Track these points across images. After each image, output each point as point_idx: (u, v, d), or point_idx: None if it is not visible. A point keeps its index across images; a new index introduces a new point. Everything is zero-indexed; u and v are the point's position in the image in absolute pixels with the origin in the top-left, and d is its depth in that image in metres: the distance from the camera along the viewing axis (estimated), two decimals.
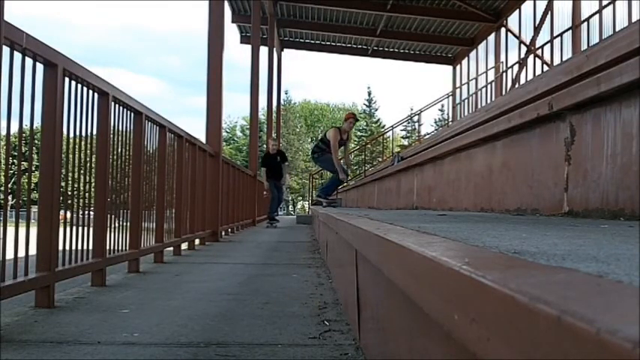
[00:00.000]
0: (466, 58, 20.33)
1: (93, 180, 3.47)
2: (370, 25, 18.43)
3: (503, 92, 15.91)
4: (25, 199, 2.68)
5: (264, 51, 15.42)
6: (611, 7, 11.45)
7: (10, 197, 4.67)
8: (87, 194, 3.41)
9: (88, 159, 3.36)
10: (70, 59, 2.88)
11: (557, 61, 13.22)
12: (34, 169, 2.98)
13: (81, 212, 3.29)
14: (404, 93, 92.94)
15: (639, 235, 1.31)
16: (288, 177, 11.90)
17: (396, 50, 20.81)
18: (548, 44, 14.22)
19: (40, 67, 2.66)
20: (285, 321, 2.44)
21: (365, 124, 61.68)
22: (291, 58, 43.64)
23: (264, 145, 14.42)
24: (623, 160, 2.52)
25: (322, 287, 3.46)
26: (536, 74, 13.88)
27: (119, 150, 3.84)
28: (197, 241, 6.76)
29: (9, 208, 3.85)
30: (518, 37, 16.27)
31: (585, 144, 2.92)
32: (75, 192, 3.28)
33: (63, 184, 3.05)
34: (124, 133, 3.90)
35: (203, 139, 7.53)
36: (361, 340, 1.97)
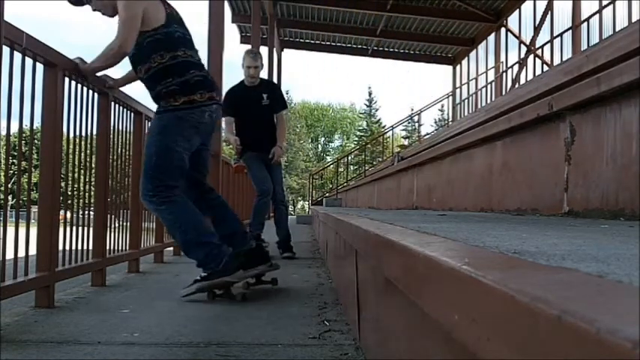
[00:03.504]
0: (466, 58, 20.32)
1: (93, 180, 3.47)
2: (370, 25, 18.41)
3: (503, 92, 15.91)
4: (25, 199, 2.68)
5: (264, 51, 15.42)
6: (611, 7, 11.44)
7: (10, 197, 4.67)
8: (87, 194, 3.41)
9: (88, 159, 3.36)
10: (70, 59, 2.88)
11: (557, 61, 13.21)
12: (34, 169, 2.98)
13: (81, 212, 3.29)
14: (404, 93, 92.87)
15: (639, 235, 1.31)
16: (282, 150, 5.35)
17: (396, 50, 20.79)
18: (548, 44, 14.22)
19: (40, 67, 2.66)
20: (285, 321, 2.44)
21: (365, 124, 61.70)
22: (291, 58, 43.66)
23: None
24: (623, 160, 2.52)
25: (322, 287, 3.46)
26: (536, 74, 13.88)
27: (119, 150, 3.84)
28: None
29: (9, 208, 3.85)
30: (518, 37, 16.27)
31: (585, 144, 2.92)
32: (75, 192, 3.28)
33: (63, 184, 3.05)
34: (124, 133, 3.90)
35: None
36: (361, 340, 1.97)
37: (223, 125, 5.40)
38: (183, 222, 2.99)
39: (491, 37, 17.86)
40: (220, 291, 2.98)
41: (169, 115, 2.99)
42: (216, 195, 3.42)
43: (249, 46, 14.74)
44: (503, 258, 0.76)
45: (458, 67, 21.24)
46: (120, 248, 3.86)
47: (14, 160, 2.61)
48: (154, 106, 4.20)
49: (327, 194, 22.53)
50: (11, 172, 3.32)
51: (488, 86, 18.06)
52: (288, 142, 45.98)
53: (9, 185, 3.75)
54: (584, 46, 12.09)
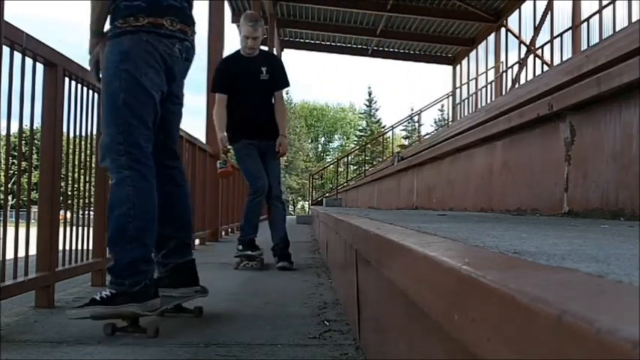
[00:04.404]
0: (466, 58, 20.32)
1: (93, 180, 3.46)
2: (370, 25, 18.41)
3: (503, 92, 15.91)
4: (25, 199, 2.68)
5: None
6: (611, 7, 11.45)
7: (10, 197, 4.67)
8: (87, 194, 3.41)
9: (88, 159, 3.36)
10: (70, 59, 2.88)
11: (557, 61, 13.22)
12: (34, 169, 2.98)
13: (81, 212, 3.29)
14: (404, 93, 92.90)
15: (639, 235, 1.31)
16: (286, 144, 4.53)
17: (396, 50, 20.79)
18: (548, 44, 14.22)
19: (40, 67, 2.66)
20: (285, 321, 2.44)
21: (365, 124, 61.70)
22: (291, 58, 43.62)
23: None
24: (623, 160, 2.52)
25: (322, 287, 3.46)
26: (536, 74, 13.88)
27: None
28: (197, 241, 6.76)
29: (9, 208, 3.84)
30: (518, 37, 16.27)
31: (585, 144, 2.92)
32: (75, 192, 3.28)
33: (63, 184, 3.04)
34: None
35: (203, 139, 7.53)
36: (361, 340, 1.97)
37: (218, 102, 4.44)
38: (136, 208, 2.19)
39: (491, 37, 17.87)
40: (124, 322, 2.17)
41: (131, 38, 2.24)
42: (180, 172, 2.59)
43: None
44: (503, 258, 0.76)
45: (458, 67, 21.24)
46: None
47: (14, 160, 2.61)
48: None
49: (327, 194, 22.53)
50: (11, 172, 3.31)
51: (488, 86, 18.06)
52: (288, 142, 44.29)
53: (9, 185, 3.75)
54: (584, 46, 12.09)
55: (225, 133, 4.37)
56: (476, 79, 19.26)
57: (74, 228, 3.13)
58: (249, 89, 4.37)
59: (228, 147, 4.43)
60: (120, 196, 2.22)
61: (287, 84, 4.55)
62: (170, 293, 2.41)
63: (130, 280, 2.16)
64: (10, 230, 2.47)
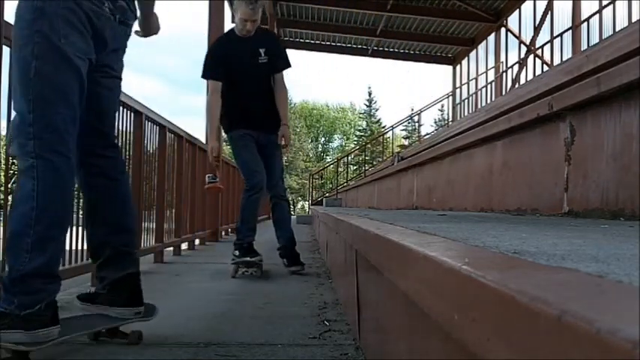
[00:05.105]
0: (466, 58, 20.32)
1: None
2: (370, 25, 18.41)
3: (503, 92, 15.91)
4: None
5: None
6: (611, 7, 11.45)
7: (10, 197, 4.67)
8: None
9: None
10: None
11: (557, 61, 13.21)
12: None
13: (81, 212, 3.29)
14: (404, 93, 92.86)
15: (639, 235, 1.31)
16: (289, 133, 4.00)
17: (396, 50, 20.80)
18: (548, 44, 14.22)
19: None
20: (285, 321, 2.45)
21: (365, 124, 61.70)
22: (291, 58, 43.48)
23: None
24: (623, 160, 2.52)
25: (322, 287, 3.46)
26: (536, 74, 13.88)
27: None
28: (197, 241, 6.77)
29: (9, 208, 3.84)
30: (518, 37, 16.27)
31: (585, 144, 2.92)
32: (75, 192, 3.28)
33: None
34: (123, 133, 3.90)
35: (203, 139, 7.53)
36: (361, 340, 1.97)
37: (210, 93, 3.98)
38: (39, 207, 1.73)
39: (491, 37, 17.86)
40: (7, 353, 1.66)
41: None
42: (116, 163, 2.10)
43: None
44: (503, 258, 0.76)
45: (458, 67, 21.24)
46: None
47: (14, 160, 2.61)
48: (153, 107, 4.07)
49: (327, 194, 22.53)
50: (11, 172, 3.31)
51: (488, 86, 18.06)
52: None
53: (9, 185, 3.75)
54: (584, 46, 12.09)
55: (222, 126, 4.12)
56: (476, 79, 19.25)
57: (74, 228, 3.13)
58: (247, 73, 3.91)
59: (218, 162, 4.19)
60: (23, 191, 1.77)
61: (288, 64, 4.11)
62: (106, 312, 2.01)
63: (20, 300, 1.67)
64: None
